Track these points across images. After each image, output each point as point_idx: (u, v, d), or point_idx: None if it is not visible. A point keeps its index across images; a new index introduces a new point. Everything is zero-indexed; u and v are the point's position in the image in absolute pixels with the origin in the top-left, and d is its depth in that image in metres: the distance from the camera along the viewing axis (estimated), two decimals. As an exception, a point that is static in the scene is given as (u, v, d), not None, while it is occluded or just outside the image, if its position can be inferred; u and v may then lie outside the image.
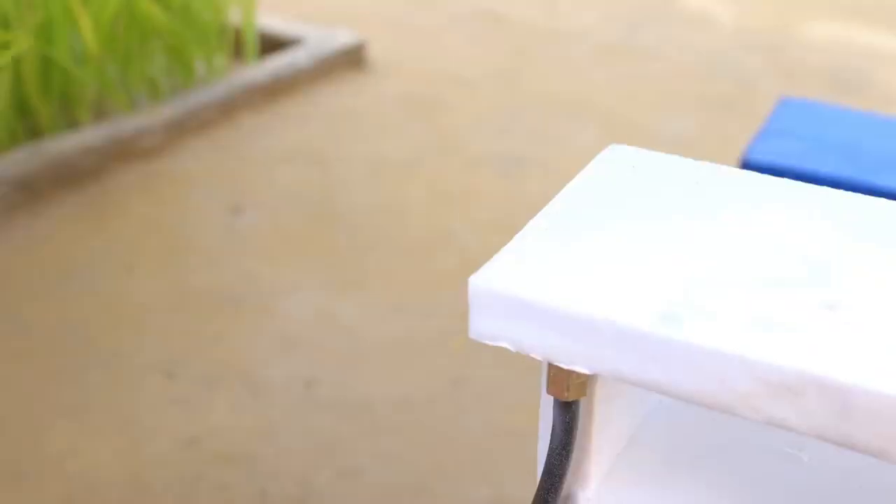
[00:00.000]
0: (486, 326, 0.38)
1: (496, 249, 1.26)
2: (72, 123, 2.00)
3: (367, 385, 1.19)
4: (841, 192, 0.42)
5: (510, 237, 1.47)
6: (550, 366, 0.38)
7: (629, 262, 0.38)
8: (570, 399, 0.38)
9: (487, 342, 0.38)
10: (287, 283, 1.40)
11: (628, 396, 0.44)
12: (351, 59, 2.29)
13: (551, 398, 0.41)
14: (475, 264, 1.39)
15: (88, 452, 1.08)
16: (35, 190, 1.63)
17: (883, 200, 0.42)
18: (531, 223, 0.41)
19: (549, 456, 0.41)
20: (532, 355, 0.38)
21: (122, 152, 1.79)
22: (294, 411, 1.15)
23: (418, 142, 1.93)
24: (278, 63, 2.22)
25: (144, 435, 1.11)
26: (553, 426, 0.40)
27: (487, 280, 0.37)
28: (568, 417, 0.39)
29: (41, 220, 1.63)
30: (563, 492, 0.43)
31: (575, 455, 0.42)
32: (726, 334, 0.34)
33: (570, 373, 0.38)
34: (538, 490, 0.43)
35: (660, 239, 0.40)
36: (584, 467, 0.43)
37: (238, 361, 1.24)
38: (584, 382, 0.38)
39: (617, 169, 0.45)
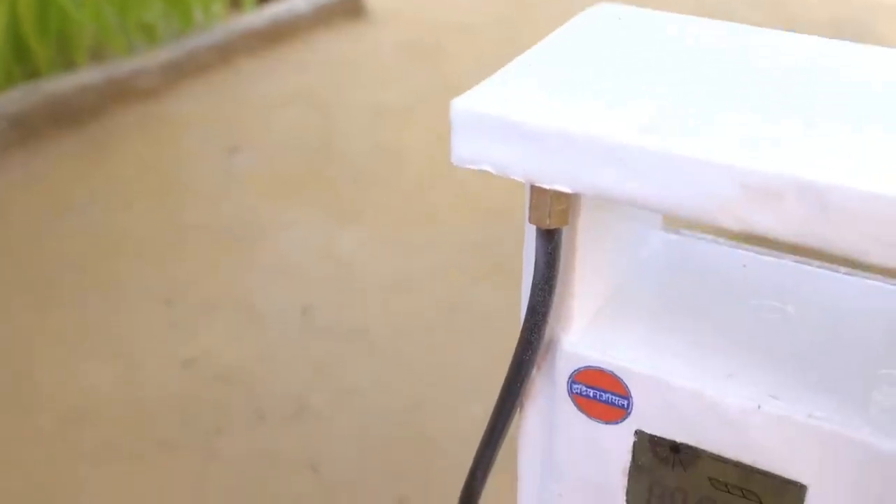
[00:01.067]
0: (468, 150, 0.38)
1: (492, 187, 1.26)
2: (69, 65, 2.00)
3: (364, 312, 1.19)
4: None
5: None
6: (532, 192, 0.38)
7: (611, 87, 0.38)
8: (552, 227, 0.39)
9: (469, 167, 0.39)
10: (285, 219, 1.40)
11: (612, 237, 0.45)
12: (350, 7, 2.28)
13: (535, 239, 0.41)
14: (473, 201, 1.39)
15: (86, 374, 1.08)
16: (32, 128, 1.63)
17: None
18: (515, 60, 0.41)
19: (532, 292, 0.41)
20: (513, 177, 0.38)
21: (120, 93, 1.79)
22: (290, 336, 1.15)
23: (418, 88, 1.93)
24: (277, 9, 2.22)
25: (142, 358, 1.11)
26: (536, 260, 0.41)
27: (469, 102, 0.38)
28: (550, 248, 0.40)
29: (38, 158, 1.63)
30: (547, 336, 0.44)
31: (559, 296, 0.43)
32: (706, 143, 0.34)
33: (551, 198, 0.38)
34: (522, 331, 0.43)
35: (643, 69, 0.40)
36: (567, 309, 0.43)
37: (235, 290, 1.25)
38: (565, 210, 0.39)
39: (603, 19, 0.45)
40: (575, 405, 0.44)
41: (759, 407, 0.39)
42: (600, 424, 0.44)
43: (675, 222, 0.50)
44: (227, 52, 2.05)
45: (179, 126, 1.77)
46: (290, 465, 0.92)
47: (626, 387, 0.42)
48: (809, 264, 0.48)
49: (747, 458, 0.41)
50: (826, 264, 0.49)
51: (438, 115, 1.65)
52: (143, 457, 0.95)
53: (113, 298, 1.21)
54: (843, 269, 0.48)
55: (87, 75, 1.86)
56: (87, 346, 1.09)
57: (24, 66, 1.94)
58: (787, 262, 0.49)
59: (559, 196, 0.38)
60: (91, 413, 1.00)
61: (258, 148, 1.62)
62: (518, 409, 0.46)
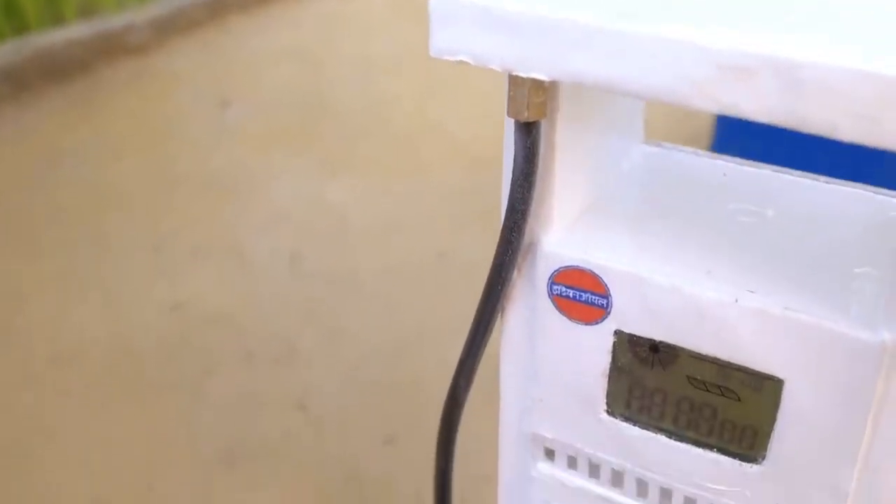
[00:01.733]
0: (446, 41, 0.38)
1: (483, 138, 1.26)
2: (58, 20, 1.99)
3: (353, 258, 1.20)
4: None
5: (498, 127, 1.47)
6: (510, 83, 0.39)
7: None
8: (530, 119, 0.39)
9: (447, 58, 0.39)
10: (275, 169, 1.40)
11: (592, 146, 0.45)
12: (341, -35, 2.26)
13: (513, 133, 0.41)
14: (462, 151, 1.39)
15: (75, 318, 1.09)
16: (22, 82, 1.63)
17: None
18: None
19: (511, 189, 0.42)
20: (491, 66, 0.38)
21: (110, 48, 1.78)
22: (279, 281, 1.16)
23: (408, 43, 1.92)
24: (268, -34, 2.20)
25: (130, 302, 1.12)
26: (514, 155, 0.41)
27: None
28: (528, 142, 0.40)
29: (29, 112, 1.63)
30: (527, 238, 0.44)
31: (538, 196, 0.43)
32: (682, 26, 0.34)
33: (529, 89, 0.38)
34: (502, 230, 0.44)
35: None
36: (547, 209, 0.43)
37: (224, 237, 1.25)
38: (543, 102, 0.39)
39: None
40: (555, 307, 0.44)
41: (736, 300, 0.40)
42: (580, 326, 0.44)
43: (656, 134, 0.50)
44: (217, 9, 2.04)
45: (170, 82, 1.77)
46: (279, 404, 0.93)
47: (605, 285, 0.43)
48: (790, 174, 0.49)
49: (725, 355, 0.41)
50: (806, 174, 0.49)
51: (428, 68, 1.65)
52: (133, 398, 0.95)
53: (102, 246, 1.21)
54: (823, 178, 0.48)
55: (76, 30, 1.85)
56: (75, 291, 1.09)
57: (14, 21, 1.93)
58: (767, 172, 0.49)
59: (537, 87, 0.38)
60: (80, 355, 1.01)
61: (249, 102, 1.61)
62: (499, 315, 0.46)
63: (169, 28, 1.90)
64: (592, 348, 0.44)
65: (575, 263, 0.42)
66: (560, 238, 0.43)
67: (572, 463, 0.48)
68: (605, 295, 0.42)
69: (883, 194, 0.46)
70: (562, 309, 0.44)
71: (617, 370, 0.44)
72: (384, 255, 1.16)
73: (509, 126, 0.41)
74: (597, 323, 0.43)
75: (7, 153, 1.44)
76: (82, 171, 1.39)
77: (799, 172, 0.48)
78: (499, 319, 0.47)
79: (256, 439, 0.87)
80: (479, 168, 1.22)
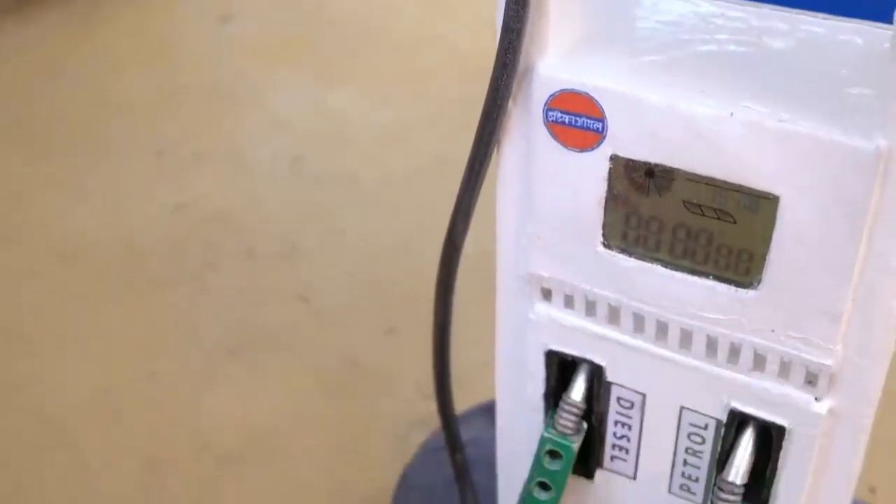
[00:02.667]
0: None
1: (484, 48, 1.23)
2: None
3: (355, 161, 1.20)
4: None
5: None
6: None
7: None
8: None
9: None
10: (277, 79, 1.40)
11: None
12: None
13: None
14: (463, 62, 1.38)
15: (78, 218, 1.09)
16: (22, -2, 1.62)
17: None
18: None
19: (506, 8, 0.41)
20: None
21: (110, -36, 1.76)
22: (280, 183, 1.16)
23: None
24: None
25: (132, 204, 1.12)
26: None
27: None
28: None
29: (29, 27, 1.62)
30: (522, 64, 0.44)
31: (534, 18, 0.43)
32: None
33: None
34: (497, 52, 0.43)
35: None
36: (542, 31, 0.43)
37: (226, 143, 1.24)
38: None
39: None
40: (551, 135, 0.44)
41: (731, 115, 0.40)
42: (576, 153, 0.44)
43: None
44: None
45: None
46: (281, 297, 0.93)
47: (600, 109, 0.43)
48: (788, 11, 0.48)
49: (720, 174, 0.41)
50: (806, 11, 0.49)
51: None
52: (135, 292, 0.96)
53: (104, 151, 1.21)
54: (822, 14, 0.48)
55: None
56: (78, 193, 1.09)
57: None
58: (766, 10, 0.48)
59: None
60: (83, 253, 1.01)
61: (251, 15, 1.60)
62: (495, 149, 0.46)
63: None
64: (588, 176, 0.44)
65: (571, 87, 0.42)
66: (556, 63, 0.43)
67: (569, 302, 0.48)
68: (601, 119, 0.42)
69: (878, 27, 0.45)
70: (558, 136, 0.44)
71: (613, 199, 0.44)
72: (384, 159, 1.16)
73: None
74: (592, 149, 0.43)
75: (8, 65, 1.44)
76: (84, 82, 1.38)
77: (797, 10, 0.48)
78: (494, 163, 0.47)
79: (258, 329, 0.87)
80: (479, 78, 1.20)
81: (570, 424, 0.50)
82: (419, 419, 0.79)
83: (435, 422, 0.74)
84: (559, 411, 0.50)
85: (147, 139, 1.25)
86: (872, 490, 0.70)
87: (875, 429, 0.81)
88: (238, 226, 1.07)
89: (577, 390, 0.50)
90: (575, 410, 0.49)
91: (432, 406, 0.80)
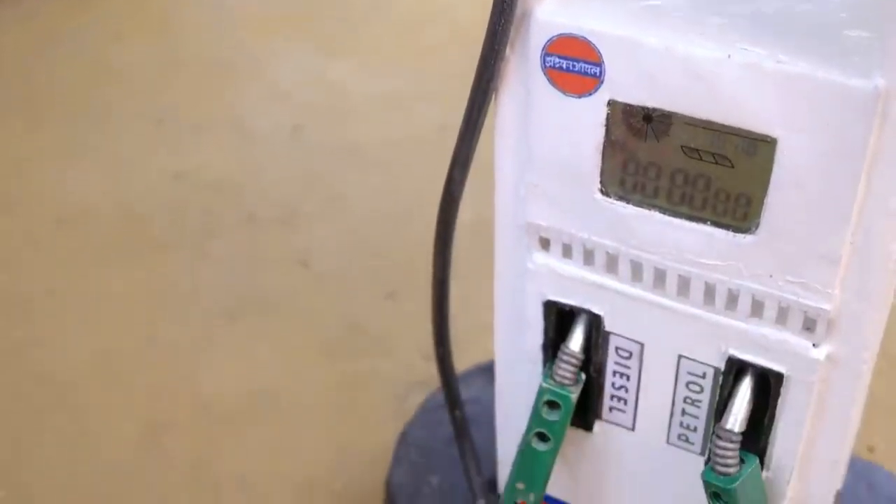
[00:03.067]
0: None
1: (486, 22, 1.22)
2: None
3: (355, 130, 1.19)
4: None
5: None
6: None
7: None
8: None
9: None
10: (278, 50, 1.39)
11: None
12: None
13: None
14: (465, 36, 1.38)
15: (77, 184, 1.09)
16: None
17: None
18: None
19: (504, -50, 0.41)
20: None
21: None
22: (281, 152, 1.16)
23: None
24: None
25: (132, 171, 1.12)
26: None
27: None
28: None
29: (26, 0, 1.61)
30: (520, 10, 0.44)
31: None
32: None
33: None
34: (493, 4, 0.43)
35: None
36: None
37: (226, 112, 1.24)
38: None
39: None
40: (549, 81, 0.44)
41: (729, 57, 0.40)
42: (574, 99, 0.44)
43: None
44: None
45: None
46: (281, 262, 0.93)
47: (598, 53, 0.42)
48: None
49: (718, 117, 0.41)
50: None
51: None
52: (135, 257, 0.96)
53: (103, 119, 1.21)
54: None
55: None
56: (77, 159, 1.09)
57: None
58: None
59: None
60: (83, 218, 1.01)
61: (250, -13, 1.59)
62: (493, 97, 0.46)
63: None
64: (586, 122, 0.44)
65: (568, 31, 0.42)
66: (553, 7, 0.43)
67: (567, 251, 0.48)
68: (599, 63, 0.42)
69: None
70: (555, 82, 0.44)
71: (611, 145, 0.44)
72: (385, 128, 1.16)
73: None
74: (590, 94, 0.43)
75: (8, 35, 1.43)
76: (83, 51, 1.38)
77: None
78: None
79: (258, 294, 0.87)
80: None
81: (568, 375, 0.50)
82: (419, 381, 0.79)
83: (435, 383, 0.74)
84: (557, 362, 0.50)
85: (147, 108, 1.25)
86: (871, 449, 0.71)
87: (873, 389, 0.82)
88: (238, 193, 1.07)
89: (576, 341, 0.50)
90: (573, 361, 0.49)
91: (432, 368, 0.81)
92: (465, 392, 0.62)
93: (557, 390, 0.50)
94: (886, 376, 0.83)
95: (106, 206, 1.05)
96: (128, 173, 1.10)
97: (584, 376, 0.51)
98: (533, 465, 0.51)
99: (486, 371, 0.60)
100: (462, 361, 0.68)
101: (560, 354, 0.50)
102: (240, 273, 0.93)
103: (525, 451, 0.52)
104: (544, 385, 0.50)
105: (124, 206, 1.05)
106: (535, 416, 0.51)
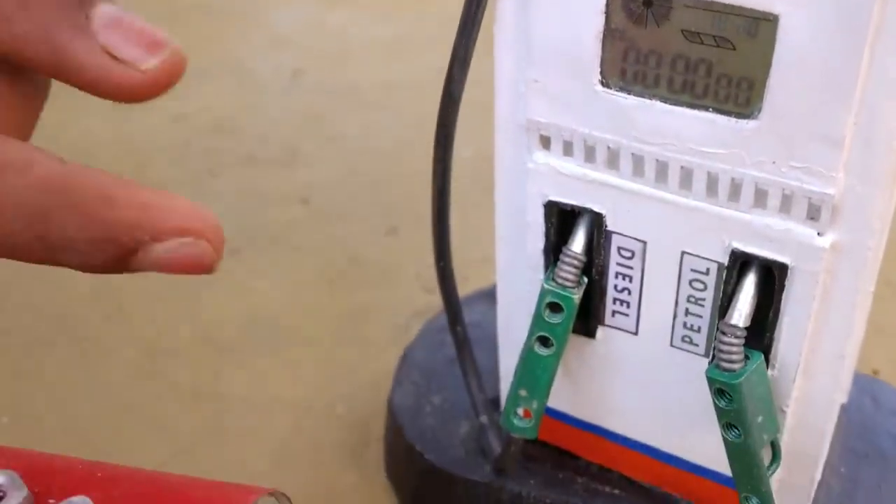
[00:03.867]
0: None
1: None
2: None
3: (355, 74, 1.19)
4: None
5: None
6: None
7: None
8: None
9: None
10: (277, 0, 1.38)
11: None
12: None
13: None
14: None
15: (80, 124, 1.08)
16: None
17: None
18: None
19: None
20: None
21: None
22: (281, 94, 1.15)
23: None
24: None
25: (132, 113, 1.11)
26: None
27: None
28: None
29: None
30: None
31: None
32: None
33: None
34: None
35: None
36: None
37: (226, 58, 1.24)
38: None
39: None
40: (548, -33, 0.43)
41: (731, -70, 0.39)
42: (573, -15, 0.43)
43: None
44: None
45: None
46: (282, 200, 0.93)
47: (598, -66, 0.42)
48: None
49: (720, -4, 0.40)
50: None
51: None
52: (136, 197, 0.95)
53: (103, 66, 1.20)
54: None
55: None
56: (78, 101, 1.08)
57: None
58: None
59: None
60: (85, 156, 1.00)
61: (248, -62, 1.58)
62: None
63: None
64: (585, 10, 0.43)
65: (568, -88, 0.41)
66: None
67: (568, 149, 0.47)
68: (599, -55, 0.41)
69: None
70: (555, -32, 0.43)
71: (610, 34, 0.43)
72: (385, 71, 1.15)
73: None
74: (590, -21, 0.42)
75: None
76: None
77: None
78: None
79: (259, 230, 0.87)
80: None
81: (570, 277, 0.49)
82: (420, 311, 0.79)
83: (436, 313, 0.74)
84: (559, 264, 0.49)
85: (146, 54, 1.24)
86: (875, 373, 0.70)
87: (876, 316, 0.81)
88: (238, 134, 1.06)
89: (578, 242, 0.49)
90: (575, 262, 0.49)
91: (433, 299, 0.80)
92: (468, 316, 0.62)
93: (560, 292, 0.49)
94: (890, 303, 0.82)
95: (106, 146, 1.04)
96: (128, 116, 1.10)
97: (586, 280, 0.50)
98: (535, 371, 0.51)
99: (488, 296, 0.60)
100: (464, 293, 0.68)
101: (562, 256, 0.49)
102: (240, 210, 0.93)
103: (527, 357, 0.51)
104: (546, 287, 0.49)
105: (124, 146, 1.05)
106: (538, 320, 0.50)
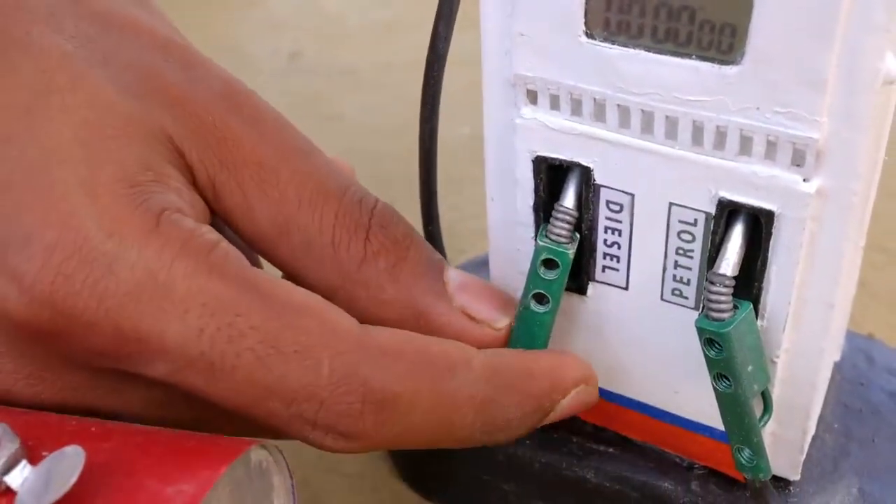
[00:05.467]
0: None
1: None
2: None
3: (352, 56, 1.19)
4: None
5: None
6: None
7: None
8: None
9: None
10: (273, -18, 1.38)
11: None
12: None
13: None
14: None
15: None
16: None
17: None
18: None
19: None
20: None
21: None
22: (278, 75, 1.15)
23: None
24: None
25: (130, 98, 1.11)
26: None
27: None
28: None
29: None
30: None
31: None
32: None
33: None
34: None
35: None
36: None
37: (224, 41, 1.24)
38: None
39: None
40: (530, -82, 0.43)
41: None
42: (556, -65, 0.43)
43: None
44: None
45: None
46: (280, 177, 0.93)
47: None
48: None
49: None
50: None
51: None
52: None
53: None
54: None
55: None
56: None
57: None
58: None
59: None
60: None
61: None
62: (476, -57, 0.46)
63: None
64: (569, -41, 0.43)
65: None
66: None
67: (555, 103, 0.48)
68: None
69: None
70: (537, -82, 0.43)
71: (594, -15, 0.43)
72: (383, 53, 1.15)
73: None
74: (572, -72, 0.42)
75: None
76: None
77: None
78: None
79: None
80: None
81: (564, 233, 0.50)
82: (418, 282, 0.79)
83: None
84: (552, 220, 0.50)
85: (144, 40, 1.25)
86: (870, 336, 0.71)
87: (871, 282, 0.81)
88: (236, 115, 1.06)
89: (569, 198, 0.49)
90: (568, 217, 0.49)
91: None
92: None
93: (554, 248, 0.49)
94: (884, 269, 0.82)
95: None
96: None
97: (578, 236, 0.50)
98: (532, 328, 0.51)
99: (483, 264, 0.60)
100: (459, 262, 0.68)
101: (554, 213, 0.50)
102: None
103: (524, 315, 0.51)
104: (541, 243, 0.50)
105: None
106: (533, 277, 0.51)
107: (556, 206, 0.50)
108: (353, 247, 0.40)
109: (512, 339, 0.52)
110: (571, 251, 0.50)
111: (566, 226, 0.50)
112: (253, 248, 0.43)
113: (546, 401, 0.46)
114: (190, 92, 0.37)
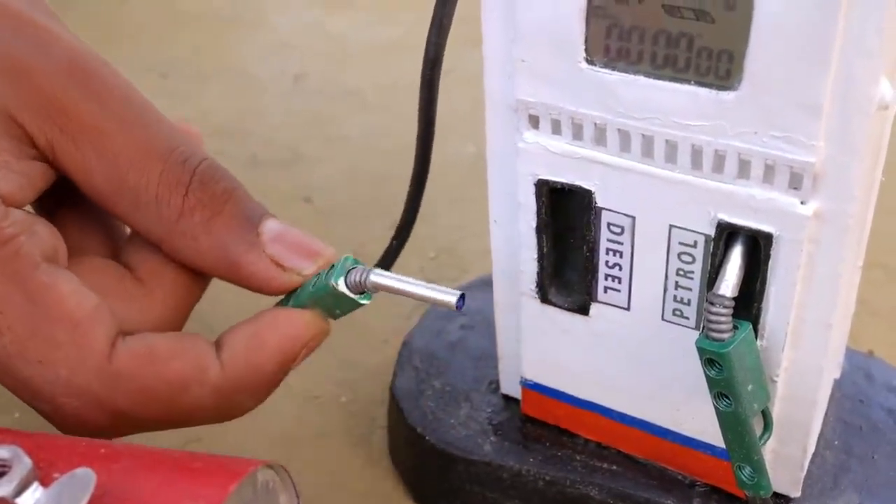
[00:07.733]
0: None
1: None
2: None
3: (356, 77, 1.20)
4: None
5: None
6: None
7: None
8: None
9: None
10: (277, 5, 1.40)
11: None
12: None
13: None
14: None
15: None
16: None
17: None
18: None
19: None
20: None
21: None
22: (283, 98, 1.16)
23: None
24: None
25: (137, 120, 1.12)
26: None
27: None
28: None
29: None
30: None
31: None
32: None
33: None
34: None
35: None
36: None
37: (229, 63, 1.25)
38: None
39: None
40: (531, -52, 0.44)
41: None
42: (556, -36, 0.44)
43: None
44: None
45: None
46: (285, 198, 0.94)
47: (579, -87, 0.43)
48: None
49: (699, -31, 0.41)
50: None
51: None
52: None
53: (108, 73, 1.21)
54: None
55: None
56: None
57: None
58: None
59: None
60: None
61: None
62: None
63: None
64: (569, -13, 0.44)
65: None
66: None
67: (556, 127, 0.48)
68: (580, -76, 0.42)
69: None
70: (538, -52, 0.44)
71: (594, 11, 0.45)
72: (387, 74, 1.16)
73: None
74: (572, -43, 0.43)
75: (11, 4, 1.44)
76: (93, 15, 1.39)
77: None
78: None
79: (263, 229, 0.88)
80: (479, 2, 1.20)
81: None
82: (422, 303, 0.80)
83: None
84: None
85: (151, 62, 1.26)
86: (870, 353, 0.71)
87: (871, 300, 0.82)
88: (241, 137, 1.08)
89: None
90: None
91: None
92: (469, 302, 0.63)
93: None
94: (883, 286, 0.83)
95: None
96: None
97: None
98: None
99: (489, 283, 0.61)
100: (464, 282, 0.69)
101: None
102: (244, 210, 0.94)
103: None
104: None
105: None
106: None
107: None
108: (173, 202, 0.43)
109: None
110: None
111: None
112: (96, 203, 0.46)
113: (276, 384, 0.50)
114: (36, 65, 0.41)
